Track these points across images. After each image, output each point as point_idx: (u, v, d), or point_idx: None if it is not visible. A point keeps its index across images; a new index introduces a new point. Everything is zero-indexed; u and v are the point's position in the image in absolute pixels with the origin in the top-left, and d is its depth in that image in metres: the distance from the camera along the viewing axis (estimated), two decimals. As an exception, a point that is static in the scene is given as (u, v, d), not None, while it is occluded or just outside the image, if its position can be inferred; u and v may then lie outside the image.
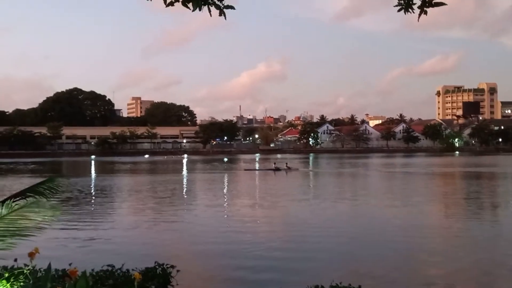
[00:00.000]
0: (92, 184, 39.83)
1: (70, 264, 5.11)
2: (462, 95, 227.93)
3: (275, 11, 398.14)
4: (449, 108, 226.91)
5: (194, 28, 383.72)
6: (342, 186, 36.88)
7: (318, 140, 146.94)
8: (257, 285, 11.02)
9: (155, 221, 20.11)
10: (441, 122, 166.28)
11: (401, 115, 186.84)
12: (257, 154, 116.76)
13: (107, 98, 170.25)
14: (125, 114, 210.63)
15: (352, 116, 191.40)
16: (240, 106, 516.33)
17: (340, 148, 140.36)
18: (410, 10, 4.58)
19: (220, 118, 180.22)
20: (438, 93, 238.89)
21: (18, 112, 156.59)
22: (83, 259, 11.88)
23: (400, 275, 11.82)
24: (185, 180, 44.76)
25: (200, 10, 4.34)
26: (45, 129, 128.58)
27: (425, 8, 4.50)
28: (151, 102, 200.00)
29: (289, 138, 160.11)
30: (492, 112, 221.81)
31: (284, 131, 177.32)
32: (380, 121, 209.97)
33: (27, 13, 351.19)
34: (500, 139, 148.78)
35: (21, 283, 4.39)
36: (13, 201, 4.64)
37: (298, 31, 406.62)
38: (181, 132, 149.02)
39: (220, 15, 4.41)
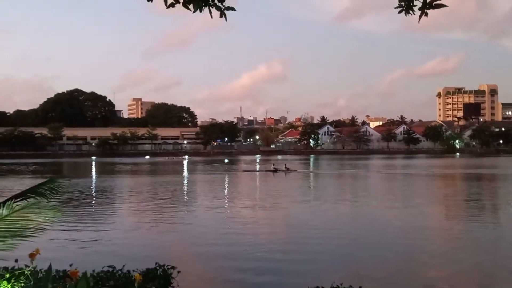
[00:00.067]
0: (93, 185, 39.83)
1: (70, 265, 5.11)
2: (463, 97, 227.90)
3: (276, 12, 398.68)
4: (450, 110, 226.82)
5: (194, 30, 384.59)
6: (342, 188, 36.86)
7: (319, 142, 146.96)
8: (257, 287, 11.03)
9: (155, 222, 20.11)
10: (442, 123, 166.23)
11: (401, 117, 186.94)
12: (258, 155, 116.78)
13: (108, 99, 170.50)
14: (125, 115, 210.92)
15: (353, 117, 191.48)
16: (240, 107, 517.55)
17: (340, 150, 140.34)
18: (410, 11, 4.58)
19: (220, 119, 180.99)
20: (439, 95, 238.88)
21: (19, 113, 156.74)
22: (84, 260, 11.87)
23: (401, 277, 11.81)
24: (185, 181, 44.76)
25: (200, 11, 4.35)
26: (46, 130, 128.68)
27: (425, 10, 4.50)
28: (151, 103, 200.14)
29: (289, 140, 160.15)
30: (492, 114, 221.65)
31: (285, 133, 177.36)
32: (380, 123, 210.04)
33: (28, 14, 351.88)
34: (501, 141, 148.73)
35: (22, 284, 4.39)
36: (14, 202, 4.65)
37: (299, 32, 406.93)
38: (182, 133, 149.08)
39: (220, 16, 4.41)
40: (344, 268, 12.51)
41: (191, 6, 4.32)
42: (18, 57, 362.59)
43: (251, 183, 40.84)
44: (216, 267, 12.63)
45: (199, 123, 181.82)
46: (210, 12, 4.37)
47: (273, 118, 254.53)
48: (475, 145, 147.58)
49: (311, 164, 79.07)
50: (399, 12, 4.64)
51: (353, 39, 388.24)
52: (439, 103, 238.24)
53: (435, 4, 4.46)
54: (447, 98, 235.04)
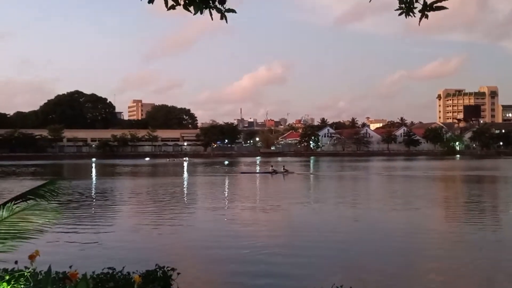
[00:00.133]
0: (93, 187, 39.84)
1: (70, 267, 5.11)
2: (463, 99, 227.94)
3: (276, 14, 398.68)
4: (450, 112, 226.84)
5: (195, 32, 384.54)
6: (343, 190, 36.84)
7: (319, 143, 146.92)
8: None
9: (155, 224, 20.10)
10: (442, 125, 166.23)
11: (402, 119, 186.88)
12: (258, 157, 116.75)
13: (108, 101, 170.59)
14: (126, 117, 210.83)
15: (353, 119, 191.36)
16: (241, 109, 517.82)
17: (341, 151, 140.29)
18: (411, 14, 4.58)
19: (221, 121, 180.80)
20: (439, 97, 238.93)
21: (19, 114, 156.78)
22: (84, 261, 11.86)
23: (401, 280, 11.80)
24: (185, 183, 44.76)
25: (201, 13, 4.35)
26: (46, 132, 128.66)
27: (426, 12, 4.50)
28: (152, 105, 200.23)
29: (290, 141, 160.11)
30: (493, 116, 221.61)
31: (285, 134, 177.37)
32: (381, 125, 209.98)
33: (28, 17, 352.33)
34: (501, 143, 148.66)
35: (22, 286, 4.39)
36: (14, 204, 4.65)
37: (299, 34, 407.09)
38: (182, 135, 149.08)
39: (221, 18, 4.41)
40: (344, 271, 12.49)
41: (191, 8, 4.32)
42: (19, 59, 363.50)
43: (251, 185, 40.83)
44: (216, 270, 12.63)
45: (199, 125, 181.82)
46: (211, 14, 4.37)
47: (273, 120, 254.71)
48: (475, 147, 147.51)
49: (311, 166, 79.06)
50: (400, 14, 4.64)
51: (353, 42, 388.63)
52: (439, 105, 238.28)
53: (435, 6, 4.46)
54: (447, 100, 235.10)
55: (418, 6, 4.53)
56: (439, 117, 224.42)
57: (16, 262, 4.77)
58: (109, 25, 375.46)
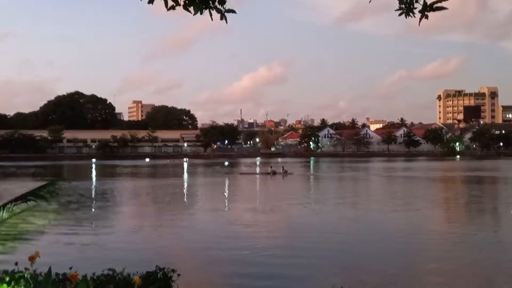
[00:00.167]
0: (93, 188, 39.83)
1: (70, 268, 5.10)
2: (463, 99, 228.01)
3: (276, 14, 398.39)
4: (450, 112, 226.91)
5: (195, 32, 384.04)
6: (343, 191, 36.84)
7: (319, 144, 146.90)
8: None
9: (156, 226, 20.09)
10: (442, 126, 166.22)
11: (402, 119, 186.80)
12: (258, 158, 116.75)
13: (108, 102, 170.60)
14: (126, 118, 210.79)
15: (353, 120, 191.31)
16: (241, 110, 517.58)
17: (341, 152, 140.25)
18: (411, 14, 4.58)
19: (221, 121, 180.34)
20: (439, 97, 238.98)
21: (19, 115, 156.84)
22: (84, 263, 11.84)
23: (401, 281, 11.80)
24: (185, 184, 44.75)
25: (201, 14, 4.35)
26: (46, 133, 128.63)
27: (426, 12, 4.50)
28: (152, 106, 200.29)
29: (290, 142, 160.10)
30: (493, 117, 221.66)
31: (285, 135, 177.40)
32: (381, 125, 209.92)
33: (29, 17, 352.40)
34: (501, 144, 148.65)
35: (22, 287, 4.38)
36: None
37: (299, 34, 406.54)
38: (182, 135, 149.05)
39: (221, 19, 4.41)
40: (345, 271, 12.49)
41: (191, 9, 4.32)
42: (19, 60, 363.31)
43: (251, 186, 40.84)
44: (217, 271, 12.62)
45: (199, 125, 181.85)
46: (211, 15, 4.37)
47: (273, 121, 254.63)
48: (476, 148, 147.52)
49: (312, 166, 79.07)
50: (400, 14, 4.63)
51: (353, 42, 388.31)
52: (440, 106, 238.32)
53: (435, 7, 4.45)
54: (448, 101, 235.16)
55: (418, 6, 4.53)
56: (439, 118, 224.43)
57: (16, 264, 4.77)
58: (109, 26, 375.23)
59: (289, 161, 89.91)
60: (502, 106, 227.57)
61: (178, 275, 6.07)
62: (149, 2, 4.32)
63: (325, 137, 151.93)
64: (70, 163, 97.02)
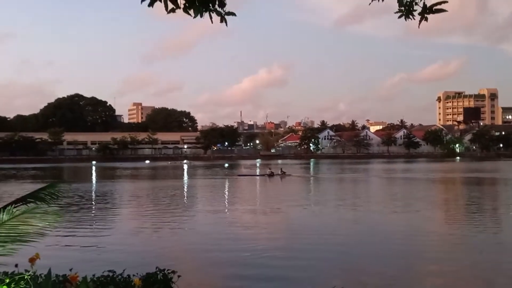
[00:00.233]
0: (93, 190, 39.82)
1: (70, 270, 5.10)
2: (463, 101, 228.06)
3: (276, 17, 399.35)
4: (450, 114, 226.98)
5: (195, 34, 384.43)
6: (342, 192, 36.82)
7: (319, 146, 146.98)
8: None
9: (156, 227, 20.08)
10: (442, 127, 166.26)
11: (402, 121, 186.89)
12: (258, 160, 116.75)
13: (108, 104, 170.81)
14: (126, 120, 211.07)
15: (353, 121, 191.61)
16: (241, 112, 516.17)
17: (340, 154, 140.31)
18: (410, 16, 4.60)
19: (221, 123, 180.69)
20: (439, 99, 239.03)
21: (19, 117, 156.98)
22: (84, 264, 11.85)
23: (401, 283, 11.79)
24: (185, 186, 44.74)
25: (201, 16, 4.36)
26: (46, 135, 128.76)
27: (425, 15, 4.51)
28: (152, 108, 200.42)
29: (290, 144, 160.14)
30: (492, 118, 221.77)
31: (285, 137, 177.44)
32: (381, 127, 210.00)
33: (29, 19, 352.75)
34: (501, 145, 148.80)
35: (22, 289, 4.38)
36: (14, 207, 4.65)
37: (299, 37, 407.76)
38: (182, 137, 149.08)
39: (221, 21, 4.43)
40: (344, 273, 12.48)
41: (191, 11, 4.33)
42: (19, 62, 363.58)
43: (252, 187, 40.84)
44: (217, 273, 12.61)
45: (199, 127, 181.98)
46: (211, 17, 4.38)
47: (273, 123, 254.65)
48: (475, 149, 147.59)
49: (311, 168, 79.05)
50: (399, 17, 4.65)
51: (353, 44, 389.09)
52: (439, 107, 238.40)
53: (435, 9, 4.47)
54: (447, 102, 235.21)
55: (418, 8, 4.55)
56: (439, 119, 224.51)
57: (16, 265, 4.77)
58: (109, 27, 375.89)
59: (289, 163, 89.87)
60: (502, 108, 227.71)
61: (179, 276, 6.07)
62: (149, 5, 4.33)
63: (325, 138, 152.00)
64: (70, 165, 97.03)
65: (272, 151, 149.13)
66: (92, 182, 50.36)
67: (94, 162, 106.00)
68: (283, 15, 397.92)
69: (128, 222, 22.35)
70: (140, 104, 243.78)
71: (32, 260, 4.50)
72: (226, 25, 4.45)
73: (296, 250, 15.11)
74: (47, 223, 4.41)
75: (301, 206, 26.90)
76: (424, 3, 4.49)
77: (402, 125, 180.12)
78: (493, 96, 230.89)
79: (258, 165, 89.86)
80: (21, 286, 4.41)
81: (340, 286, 5.69)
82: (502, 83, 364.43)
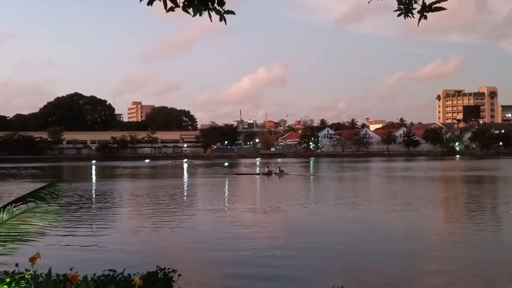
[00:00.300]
0: (93, 189, 39.83)
1: (71, 269, 5.11)
2: (463, 99, 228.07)
3: (276, 16, 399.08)
4: (450, 112, 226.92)
5: (194, 33, 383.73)
6: (342, 191, 36.84)
7: (319, 144, 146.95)
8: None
9: (156, 226, 20.10)
10: (442, 126, 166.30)
11: (401, 119, 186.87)
12: (258, 159, 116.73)
13: (107, 103, 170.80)
14: (125, 119, 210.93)
15: (353, 120, 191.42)
16: (240, 111, 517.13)
17: (340, 152, 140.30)
18: (410, 15, 4.59)
19: (220, 122, 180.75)
20: (439, 97, 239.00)
21: (19, 117, 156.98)
22: (84, 264, 11.85)
23: (401, 282, 11.79)
24: (185, 184, 44.75)
25: (200, 15, 4.35)
26: (46, 134, 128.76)
27: (425, 13, 4.51)
28: (151, 107, 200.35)
29: (289, 143, 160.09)
30: (492, 116, 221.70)
31: (285, 136, 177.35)
32: (380, 125, 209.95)
33: (28, 19, 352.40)
34: (501, 143, 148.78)
35: (22, 288, 4.39)
36: (14, 206, 4.65)
37: (298, 35, 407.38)
38: (182, 136, 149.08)
39: (220, 20, 4.42)
40: (344, 272, 12.49)
41: (190, 10, 4.32)
42: (19, 61, 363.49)
43: (252, 186, 40.85)
44: (217, 272, 12.62)
45: (199, 126, 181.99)
46: (210, 16, 4.37)
47: (273, 121, 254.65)
48: (475, 148, 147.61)
49: (311, 167, 79.06)
50: (399, 15, 4.65)
51: (352, 43, 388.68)
52: (439, 106, 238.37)
53: (434, 7, 4.46)
54: (447, 101, 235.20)
55: (417, 7, 4.54)
56: (439, 118, 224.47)
57: (16, 265, 4.78)
58: (108, 27, 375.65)
59: (288, 162, 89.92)
60: (502, 106, 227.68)
61: (179, 275, 6.07)
62: (148, 4, 4.32)
63: (324, 137, 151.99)
64: (70, 165, 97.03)
65: (272, 149, 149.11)
66: (92, 181, 50.37)
67: (93, 161, 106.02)
68: (283, 14, 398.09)
69: (128, 221, 22.36)
70: (140, 103, 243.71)
71: (32, 260, 4.50)
72: (226, 23, 4.44)
73: (296, 249, 15.12)
74: (47, 223, 4.41)
75: (301, 204, 26.92)
76: (423, 1, 4.48)
77: (401, 123, 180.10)
78: (493, 94, 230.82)
79: (258, 164, 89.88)
80: (22, 285, 4.42)
81: (340, 285, 5.69)
82: (502, 81, 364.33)
